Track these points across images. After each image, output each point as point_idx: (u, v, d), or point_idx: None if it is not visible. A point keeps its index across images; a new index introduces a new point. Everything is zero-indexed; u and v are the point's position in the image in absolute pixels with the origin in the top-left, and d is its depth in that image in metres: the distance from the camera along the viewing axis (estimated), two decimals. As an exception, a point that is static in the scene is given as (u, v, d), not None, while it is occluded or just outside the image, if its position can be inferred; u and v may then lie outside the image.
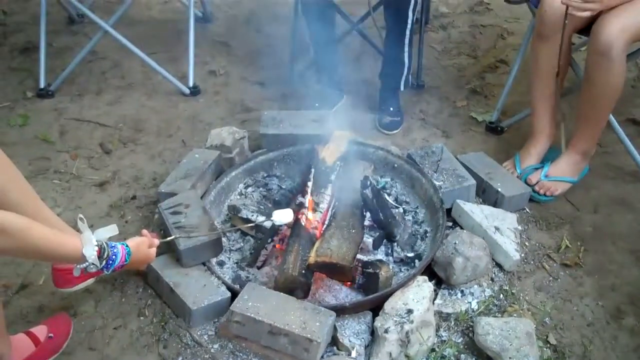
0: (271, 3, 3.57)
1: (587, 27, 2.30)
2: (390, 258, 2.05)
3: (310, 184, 2.13)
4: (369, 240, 2.07)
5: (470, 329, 1.85)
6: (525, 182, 2.36)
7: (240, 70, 3.19)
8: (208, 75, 3.17)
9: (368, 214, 2.13)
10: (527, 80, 2.54)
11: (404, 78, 2.74)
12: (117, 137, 2.73)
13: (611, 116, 2.39)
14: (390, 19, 2.64)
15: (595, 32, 2.20)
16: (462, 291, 1.96)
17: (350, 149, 2.31)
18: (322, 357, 1.74)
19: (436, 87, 3.04)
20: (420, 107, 2.91)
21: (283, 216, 1.96)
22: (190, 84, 3.01)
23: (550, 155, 2.47)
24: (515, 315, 1.90)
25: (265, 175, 2.38)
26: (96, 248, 1.51)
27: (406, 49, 2.66)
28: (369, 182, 2.08)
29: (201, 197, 2.16)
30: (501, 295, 1.97)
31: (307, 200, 2.07)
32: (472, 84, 3.05)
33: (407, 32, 2.62)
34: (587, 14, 2.15)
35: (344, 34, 2.96)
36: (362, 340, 1.79)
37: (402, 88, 2.76)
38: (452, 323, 1.88)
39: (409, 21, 2.59)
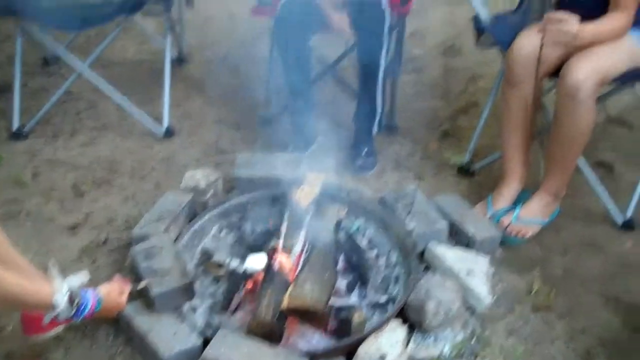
0: (247, 44, 3.61)
1: (556, 72, 2.35)
2: (364, 302, 2.05)
3: (283, 227, 2.13)
4: (342, 283, 2.07)
5: (443, 373, 1.86)
6: (498, 225, 2.39)
7: (215, 111, 3.21)
8: (183, 116, 3.18)
9: (341, 257, 2.14)
10: (498, 123, 2.59)
11: (377, 121, 2.77)
12: (91, 179, 2.72)
13: (580, 158, 2.44)
14: (363, 63, 2.68)
15: (564, 75, 2.25)
16: (435, 335, 1.96)
17: (324, 192, 2.33)
18: (294, 403, 1.73)
19: (409, 129, 3.08)
20: (394, 150, 2.94)
21: (257, 261, 1.96)
22: (165, 125, 3.02)
23: (522, 197, 2.51)
24: (487, 359, 1.91)
25: (239, 217, 2.38)
26: (67, 296, 1.50)
27: (379, 92, 2.70)
28: (342, 226, 2.09)
29: (174, 241, 2.16)
30: (473, 339, 1.97)
31: (281, 243, 2.07)
32: (444, 127, 3.10)
33: (380, 76, 2.66)
34: (556, 53, 2.21)
35: (319, 75, 2.99)
36: (335, 386, 1.78)
37: (375, 131, 2.80)
38: (425, 368, 1.89)
39: (381, 65, 2.64)
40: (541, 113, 2.57)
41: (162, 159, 2.88)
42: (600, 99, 2.44)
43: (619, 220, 2.49)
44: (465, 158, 2.80)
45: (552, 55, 2.33)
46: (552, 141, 2.39)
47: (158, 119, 3.04)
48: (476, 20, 2.56)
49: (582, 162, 2.49)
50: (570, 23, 2.16)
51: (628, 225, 2.47)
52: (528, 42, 2.36)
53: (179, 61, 3.51)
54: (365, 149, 2.80)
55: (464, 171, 2.79)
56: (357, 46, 2.73)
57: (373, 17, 2.62)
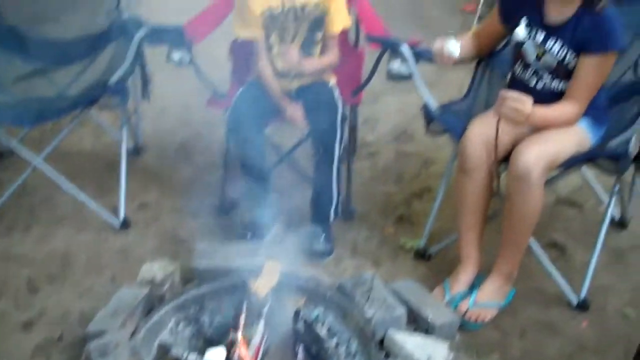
0: (204, 133, 3.65)
1: (506, 157, 2.44)
2: (325, 392, 2.03)
3: (242, 318, 2.12)
4: (302, 374, 2.05)
5: None
6: (456, 310, 2.41)
7: (172, 201, 3.21)
8: (140, 207, 3.17)
9: (301, 348, 2.12)
10: (451, 206, 2.65)
11: (333, 207, 2.81)
12: (45, 274, 2.68)
13: (532, 240, 2.50)
14: (318, 151, 2.74)
15: (514, 160, 2.34)
16: None
17: (282, 280, 2.33)
18: None
19: (366, 214, 3.11)
20: (351, 235, 2.97)
21: (215, 355, 1.93)
22: (121, 217, 3.01)
23: (478, 281, 2.54)
24: None
25: (197, 310, 2.35)
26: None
27: (334, 179, 2.75)
28: (301, 315, 2.09)
29: (130, 336, 2.12)
30: None
31: (239, 335, 2.05)
32: (399, 211, 3.14)
33: (335, 163, 2.72)
34: (507, 139, 2.30)
35: (275, 164, 3.03)
36: None
37: (332, 217, 2.83)
38: None
39: (336, 153, 2.70)
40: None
41: (118, 251, 2.85)
42: (550, 181, 2.51)
43: (574, 300, 2.53)
44: (421, 242, 2.83)
45: (504, 141, 2.41)
46: (504, 223, 2.45)
47: (114, 211, 3.03)
48: (425, 109, 2.64)
49: (534, 244, 2.55)
50: (525, 102, 2.24)
51: (583, 306, 2.52)
52: (479, 131, 2.45)
53: (136, 152, 3.52)
54: (323, 236, 2.82)
55: (421, 255, 2.82)
56: (311, 136, 2.79)
57: (326, 108, 2.70)
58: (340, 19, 2.83)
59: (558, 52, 2.40)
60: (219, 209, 3.09)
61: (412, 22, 4.83)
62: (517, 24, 2.40)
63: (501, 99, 2.25)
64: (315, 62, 2.86)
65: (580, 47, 2.37)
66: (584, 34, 2.35)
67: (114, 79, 2.78)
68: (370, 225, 3.04)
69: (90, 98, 2.79)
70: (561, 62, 2.41)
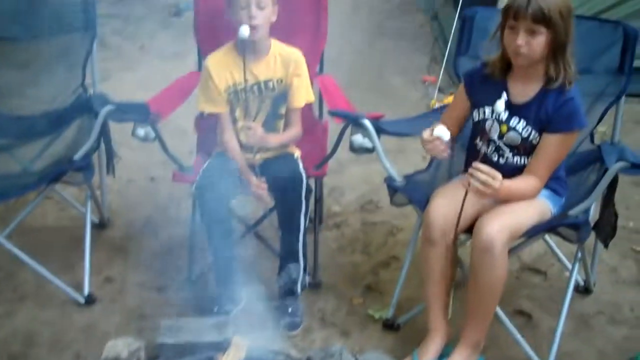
0: (169, 206, 3.64)
1: (469, 228, 2.48)
2: None
3: (209, 396, 2.09)
4: None
5: None
6: (424, 381, 2.40)
7: (137, 276, 3.18)
8: (104, 282, 3.13)
9: None
10: (419, 274, 2.66)
11: (300, 279, 2.82)
12: (6, 355, 2.62)
13: (498, 309, 2.52)
14: (283, 224, 2.76)
15: (478, 232, 2.38)
16: None
17: (250, 356, 2.31)
18: None
19: (333, 285, 3.11)
20: (319, 306, 2.96)
21: None
22: (86, 292, 2.97)
23: (447, 351, 2.54)
24: None
25: (163, 388, 2.32)
26: None
27: (300, 251, 2.77)
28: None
29: (95, 418, 2.07)
30: None
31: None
32: (367, 281, 3.15)
33: (300, 236, 2.74)
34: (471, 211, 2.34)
35: (241, 236, 3.04)
36: None
37: (299, 289, 2.83)
38: None
39: (301, 225, 2.72)
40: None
41: (83, 327, 2.80)
42: (514, 250, 2.55)
43: (541, 368, 2.54)
44: (389, 312, 2.84)
45: (467, 212, 2.45)
46: (470, 293, 2.47)
47: (79, 286, 2.99)
48: (388, 181, 2.68)
49: (500, 312, 2.57)
50: (495, 177, 2.28)
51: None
52: (443, 201, 2.49)
53: (100, 226, 3.50)
54: (291, 308, 2.81)
55: (389, 325, 2.82)
56: (277, 209, 2.81)
57: (290, 181, 2.72)
58: (303, 95, 2.89)
59: (522, 130, 2.47)
60: (186, 282, 3.06)
61: (375, 93, 4.93)
62: (480, 104, 2.47)
63: (472, 171, 2.28)
64: (278, 137, 2.90)
65: (543, 126, 2.44)
66: (547, 114, 2.42)
67: (79, 154, 2.78)
68: (338, 296, 3.04)
69: (54, 174, 2.77)
70: (525, 140, 2.48)
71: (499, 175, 2.29)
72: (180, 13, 6.36)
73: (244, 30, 2.64)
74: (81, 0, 3.07)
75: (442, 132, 2.38)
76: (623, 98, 2.78)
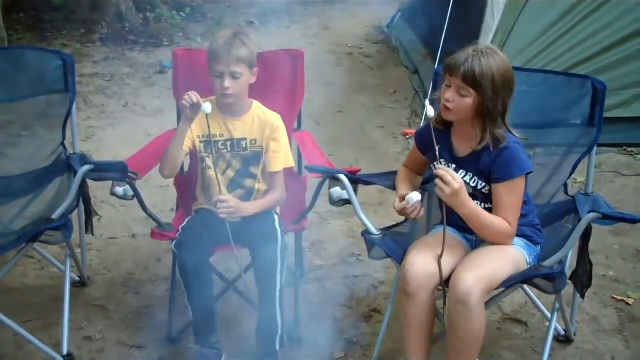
0: (149, 264, 3.64)
1: (446, 280, 2.49)
2: None
3: None
4: None
5: None
6: None
7: (117, 334, 3.16)
8: (83, 341, 3.11)
9: None
10: (401, 328, 2.65)
11: (279, 337, 2.80)
12: (-18, 418, 2.58)
13: (478, 360, 2.52)
14: (260, 280, 2.76)
15: (454, 285, 2.40)
16: None
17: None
18: None
19: (314, 340, 3.09)
20: (299, 363, 2.95)
21: None
22: (65, 351, 2.92)
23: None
24: None
25: None
26: None
27: (278, 309, 2.76)
28: None
29: None
30: None
31: None
32: (348, 335, 3.14)
33: (277, 294, 2.73)
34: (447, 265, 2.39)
35: (221, 292, 3.03)
36: None
37: (277, 347, 2.81)
38: None
39: (278, 283, 2.72)
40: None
41: (61, 388, 2.77)
42: (494, 300, 2.57)
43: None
44: (370, 367, 2.83)
45: (444, 265, 2.47)
46: (449, 346, 2.47)
47: (58, 345, 2.96)
48: (366, 234, 2.70)
49: (480, 364, 2.56)
50: (455, 177, 2.39)
51: None
52: (420, 255, 2.51)
53: (81, 284, 3.48)
54: (269, 365, 2.80)
55: (371, 381, 2.80)
56: (253, 265, 2.81)
57: (266, 238, 2.73)
58: (282, 159, 2.94)
59: (470, 181, 2.56)
60: (166, 340, 3.05)
61: (356, 147, 5.00)
62: (434, 158, 2.53)
63: (437, 172, 2.41)
64: (257, 204, 2.91)
65: (487, 177, 2.53)
66: (486, 165, 2.52)
67: (57, 213, 2.79)
68: (319, 351, 3.02)
69: (33, 233, 2.77)
70: (475, 189, 2.56)
71: (459, 179, 2.41)
72: (164, 70, 6.45)
73: (207, 108, 2.71)
74: (61, 64, 3.12)
75: (412, 197, 2.52)
76: (595, 149, 2.84)
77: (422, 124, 4.97)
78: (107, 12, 7.82)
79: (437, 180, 2.41)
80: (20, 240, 2.83)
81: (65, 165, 3.09)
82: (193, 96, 2.69)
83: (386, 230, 2.78)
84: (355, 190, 2.67)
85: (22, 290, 3.47)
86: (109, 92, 6.13)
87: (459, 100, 2.46)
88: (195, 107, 2.70)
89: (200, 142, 2.88)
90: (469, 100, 2.44)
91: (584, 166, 2.90)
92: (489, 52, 2.45)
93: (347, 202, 2.69)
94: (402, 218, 2.94)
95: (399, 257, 2.60)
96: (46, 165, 3.20)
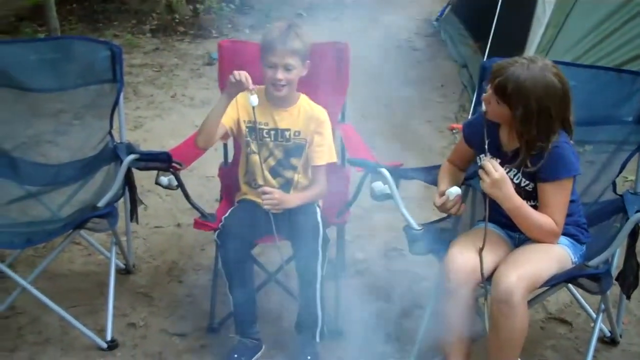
0: (193, 254, 3.68)
1: (489, 277, 2.46)
2: None
3: None
4: None
5: None
6: None
7: (160, 321, 3.21)
8: (127, 327, 3.16)
9: None
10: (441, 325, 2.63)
11: (319, 329, 2.81)
12: (28, 399, 2.65)
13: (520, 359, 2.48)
14: (300, 272, 2.77)
15: (496, 282, 2.37)
16: None
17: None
18: None
19: (354, 333, 3.08)
20: (338, 356, 2.94)
21: None
22: (108, 337, 2.99)
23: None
24: None
25: None
26: None
27: (318, 301, 2.76)
28: None
29: None
30: None
31: None
32: (388, 329, 3.12)
33: (318, 286, 2.74)
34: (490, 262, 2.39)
35: (262, 283, 3.04)
36: None
37: (317, 339, 2.82)
38: None
39: (318, 275, 2.73)
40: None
41: (103, 375, 2.83)
42: (537, 299, 2.53)
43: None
44: (409, 362, 2.81)
45: (486, 262, 2.44)
46: (490, 344, 2.44)
47: (102, 331, 3.02)
48: (407, 228, 2.68)
49: (522, 364, 2.53)
50: (497, 169, 2.38)
51: None
52: (462, 251, 2.49)
53: (126, 271, 3.54)
54: (309, 357, 2.80)
55: (409, 377, 2.79)
56: (294, 257, 2.82)
57: (308, 230, 2.74)
58: (325, 154, 2.94)
59: (513, 177, 2.50)
60: (208, 329, 3.08)
61: (401, 141, 4.94)
62: (481, 150, 2.51)
63: (483, 163, 2.41)
64: (300, 196, 2.92)
65: (532, 175, 2.47)
66: (532, 164, 2.45)
67: (103, 202, 2.84)
68: (359, 345, 3.01)
69: (80, 220, 2.83)
70: (518, 185, 2.50)
71: (501, 170, 2.38)
72: (212, 62, 6.49)
73: (254, 100, 2.71)
74: (109, 54, 3.17)
75: (451, 191, 2.53)
76: (645, 147, 2.77)
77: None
78: (158, 4, 7.96)
79: (480, 171, 2.39)
80: (67, 227, 2.89)
81: (112, 154, 3.14)
82: (242, 76, 2.68)
83: (428, 225, 2.76)
84: (398, 184, 2.65)
85: (69, 276, 3.54)
86: (158, 83, 6.20)
87: (494, 106, 2.43)
88: (239, 86, 2.69)
89: (247, 126, 2.90)
90: (504, 110, 2.41)
91: (633, 164, 2.83)
92: (534, 73, 2.35)
93: (390, 196, 2.67)
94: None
95: (441, 252, 2.57)
96: (94, 153, 3.26)
